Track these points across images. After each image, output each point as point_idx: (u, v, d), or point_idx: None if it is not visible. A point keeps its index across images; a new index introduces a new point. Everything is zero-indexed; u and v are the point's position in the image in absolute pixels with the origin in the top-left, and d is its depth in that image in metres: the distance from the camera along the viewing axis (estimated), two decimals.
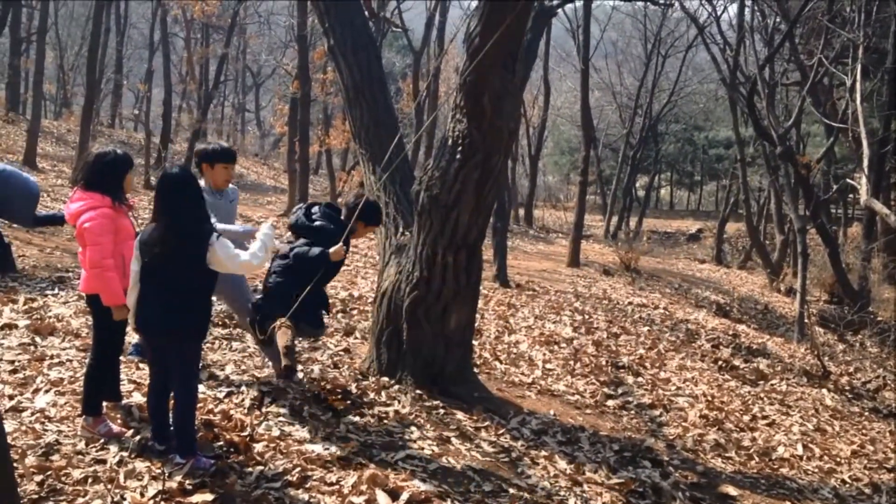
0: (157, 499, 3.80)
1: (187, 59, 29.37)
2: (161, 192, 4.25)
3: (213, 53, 31.71)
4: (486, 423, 5.99)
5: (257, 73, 47.39)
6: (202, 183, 5.68)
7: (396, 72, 43.01)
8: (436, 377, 6.43)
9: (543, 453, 5.66)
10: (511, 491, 4.74)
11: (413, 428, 5.49)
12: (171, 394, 4.31)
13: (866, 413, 10.23)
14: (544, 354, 8.95)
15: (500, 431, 5.92)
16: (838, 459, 7.48)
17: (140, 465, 4.13)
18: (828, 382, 11.23)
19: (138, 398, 4.99)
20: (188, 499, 3.84)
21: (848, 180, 19.53)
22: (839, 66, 18.60)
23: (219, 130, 45.27)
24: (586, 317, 11.96)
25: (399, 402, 5.97)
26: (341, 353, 7.29)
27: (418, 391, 6.24)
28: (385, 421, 5.53)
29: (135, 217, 5.53)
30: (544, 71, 32.49)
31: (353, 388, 6.05)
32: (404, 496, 4.25)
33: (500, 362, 8.23)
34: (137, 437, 4.44)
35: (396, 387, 6.30)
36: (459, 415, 6.05)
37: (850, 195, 30.85)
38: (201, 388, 5.28)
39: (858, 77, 14.50)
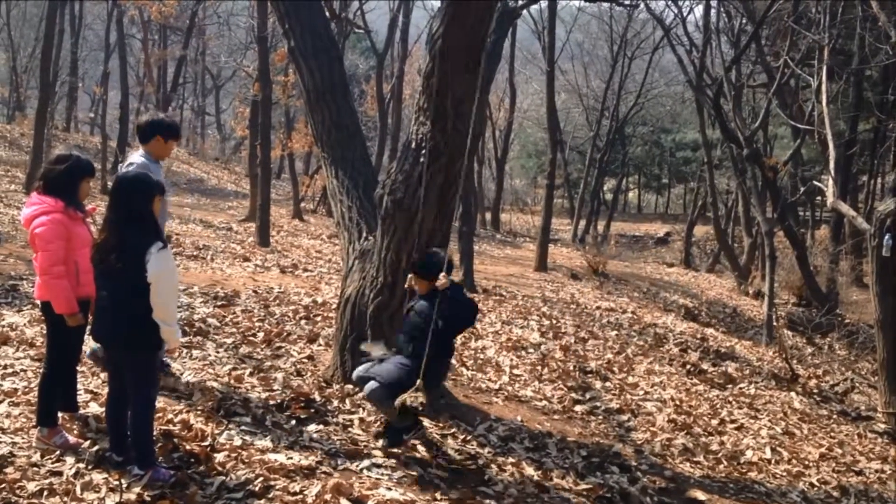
0: None
1: (145, 61, 29.18)
2: (114, 196, 4.21)
3: (172, 55, 31.52)
4: (453, 430, 6.01)
5: (217, 76, 47.03)
6: (141, 152, 5.76)
7: (360, 74, 42.94)
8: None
9: (511, 460, 5.69)
10: (477, 498, 4.76)
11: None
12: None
13: (834, 416, 10.40)
14: (511, 360, 8.98)
15: (467, 438, 5.94)
16: (806, 463, 7.60)
17: (97, 476, 4.10)
18: (796, 385, 11.39)
19: (95, 408, 4.95)
20: None
21: (815, 182, 19.85)
22: (805, 68, 18.91)
23: None
24: (554, 322, 12.03)
25: (363, 409, 5.97)
26: (304, 360, 7.26)
27: None
28: (349, 429, 5.54)
29: (94, 223, 5.48)
30: (510, 73, 32.64)
31: (316, 395, 6.04)
32: None
33: (467, 368, 8.26)
34: (95, 448, 4.40)
35: (360, 395, 6.30)
36: (425, 422, 6.06)
37: (818, 197, 31.35)
38: (160, 397, 5.25)
39: (824, 79, 14.76)
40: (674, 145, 49.56)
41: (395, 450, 5.24)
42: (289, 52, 7.79)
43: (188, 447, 4.59)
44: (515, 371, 8.56)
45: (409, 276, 5.55)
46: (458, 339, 9.50)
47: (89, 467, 4.19)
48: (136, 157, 5.75)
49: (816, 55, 16.66)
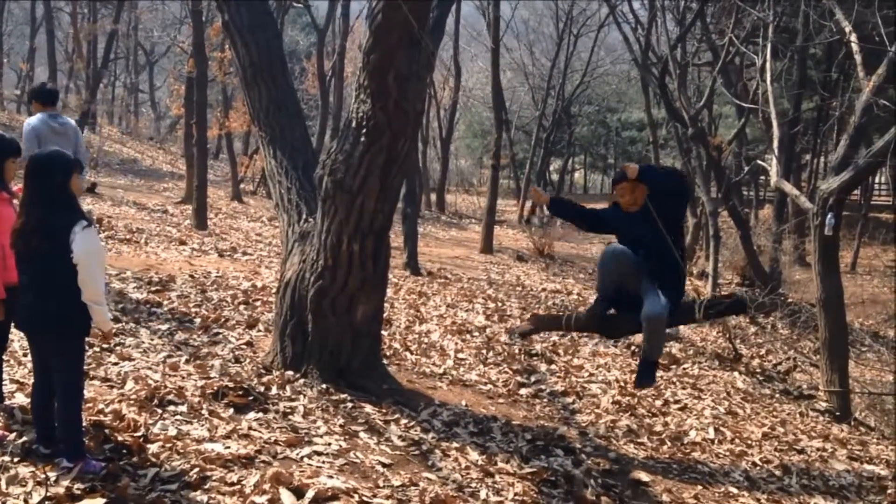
0: None
1: (74, 35, 28.46)
2: (27, 175, 4.08)
3: (102, 30, 30.77)
4: (396, 416, 6.00)
5: (151, 51, 46.12)
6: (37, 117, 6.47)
7: (300, 50, 42.56)
8: (343, 370, 6.41)
9: (455, 445, 5.71)
10: (421, 484, 4.77)
11: (319, 423, 5.47)
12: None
13: (777, 395, 10.63)
14: (456, 344, 9.01)
15: (411, 424, 5.94)
16: (749, 442, 7.75)
17: (24, 469, 4.01)
18: (739, 365, 11.62)
19: (21, 399, 4.84)
20: None
21: (759, 162, 20.18)
22: (750, 46, 19.18)
23: (110, 112, 43.96)
24: (499, 304, 12.09)
25: (304, 396, 5.94)
26: (243, 346, 7.20)
27: (324, 385, 6.21)
28: (290, 417, 5.50)
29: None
30: (454, 50, 32.57)
31: (255, 383, 5.98)
32: (310, 494, 4.23)
33: (411, 353, 8.26)
34: (21, 441, 4.30)
35: (301, 381, 6.26)
36: (368, 408, 6.05)
37: (762, 177, 31.94)
38: (90, 386, 5.16)
39: (769, 57, 14.97)
40: (620, 125, 50.09)
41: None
42: (223, 26, 7.68)
43: (120, 438, 4.51)
44: (460, 355, 8.59)
45: (618, 191, 5.56)
46: (403, 323, 9.52)
47: (15, 460, 4.10)
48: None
49: (761, 33, 16.89)
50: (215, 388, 5.62)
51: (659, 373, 9.71)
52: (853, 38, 11.79)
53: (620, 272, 5.37)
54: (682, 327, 13.86)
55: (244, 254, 13.29)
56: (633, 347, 10.98)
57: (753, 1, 18.08)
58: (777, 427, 8.66)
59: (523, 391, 7.77)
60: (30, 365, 4.94)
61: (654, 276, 5.28)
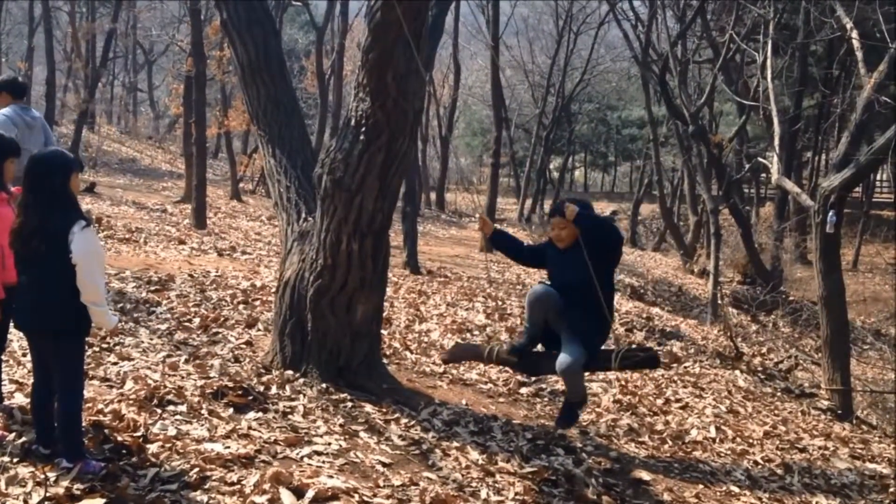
0: None
1: (72, 34, 28.43)
2: (26, 175, 4.08)
3: (101, 29, 30.76)
4: (396, 416, 6.00)
5: (149, 50, 46.10)
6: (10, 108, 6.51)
7: (299, 49, 42.56)
8: (342, 369, 6.41)
9: (455, 444, 5.71)
10: (421, 484, 4.77)
11: (319, 423, 5.47)
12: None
13: (778, 393, 10.64)
14: (456, 343, 9.01)
15: (411, 423, 5.94)
16: (751, 441, 7.76)
17: (23, 470, 4.00)
18: (741, 364, 11.63)
19: (21, 399, 4.84)
20: None
21: (760, 159, 20.20)
22: (751, 43, 19.19)
23: (108, 111, 44.00)
24: (499, 303, 12.09)
25: (304, 396, 5.94)
26: (242, 346, 7.19)
27: (324, 384, 6.21)
28: (289, 416, 5.50)
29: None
30: (454, 48, 32.57)
31: (255, 382, 5.98)
32: (310, 494, 4.23)
33: (411, 352, 8.26)
34: (20, 441, 4.30)
35: (301, 380, 6.26)
36: (368, 407, 6.05)
37: (763, 174, 31.93)
38: (90, 386, 5.16)
39: (769, 54, 14.98)
40: (620, 123, 50.06)
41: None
42: (222, 25, 7.67)
43: (119, 438, 4.50)
44: None
45: (552, 224, 5.56)
46: (403, 322, 9.52)
47: (14, 461, 4.09)
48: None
49: (762, 30, 16.90)
50: (215, 387, 5.62)
51: (660, 371, 9.75)
52: (854, 34, 11.80)
53: (545, 314, 5.38)
54: (682, 326, 13.88)
55: (243, 253, 13.29)
56: (633, 346, 10.99)
57: None
58: (779, 426, 8.66)
59: (524, 390, 7.77)
60: (29, 365, 4.94)
61: (576, 323, 5.28)
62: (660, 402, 8.40)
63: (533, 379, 8.22)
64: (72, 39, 28.81)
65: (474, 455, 5.56)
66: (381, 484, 4.65)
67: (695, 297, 19.61)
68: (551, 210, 5.61)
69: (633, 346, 5.45)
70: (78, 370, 4.21)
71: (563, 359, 5.07)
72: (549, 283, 5.53)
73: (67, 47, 34.26)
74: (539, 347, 5.86)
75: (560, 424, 5.27)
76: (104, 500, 3.80)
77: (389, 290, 10.07)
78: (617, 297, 15.88)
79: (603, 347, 5.63)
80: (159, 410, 5.05)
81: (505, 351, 5.40)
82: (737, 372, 11.04)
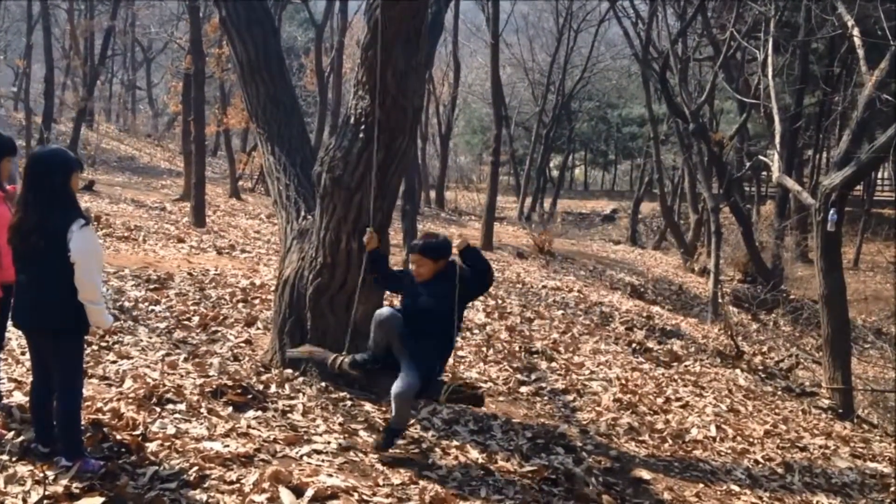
0: None
1: (70, 32, 28.36)
2: (27, 172, 4.08)
3: (99, 26, 30.73)
4: None
5: (148, 48, 46.09)
6: None
7: (298, 47, 42.53)
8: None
9: (455, 443, 5.72)
10: (421, 483, 4.78)
11: (319, 421, 5.48)
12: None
13: (779, 392, 10.64)
14: (456, 342, 9.00)
15: (410, 422, 5.94)
16: (751, 440, 7.76)
17: (22, 468, 4.01)
18: (741, 362, 11.63)
19: (20, 397, 4.84)
20: (75, 503, 3.76)
21: (760, 157, 20.20)
22: (751, 41, 19.20)
23: (107, 109, 43.96)
24: (499, 301, 12.09)
25: (303, 394, 5.95)
26: (242, 344, 7.20)
27: (323, 383, 6.22)
28: (289, 415, 5.51)
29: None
30: (453, 46, 32.56)
31: (254, 381, 5.99)
32: (309, 492, 4.24)
33: None
34: (19, 440, 4.31)
35: (301, 379, 6.27)
36: (367, 406, 6.06)
37: (763, 172, 31.93)
38: (89, 384, 5.16)
39: (770, 51, 14.98)
40: (620, 121, 50.00)
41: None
42: (221, 22, 7.67)
43: (119, 437, 4.51)
44: (460, 352, 8.59)
45: (411, 258, 5.53)
46: None
47: (13, 459, 4.10)
48: None
49: (763, 27, 16.90)
50: (214, 386, 5.63)
51: (661, 370, 9.76)
52: (856, 32, 11.79)
53: (387, 337, 5.46)
54: (683, 325, 13.89)
55: (243, 251, 13.30)
56: (633, 345, 11.00)
57: None
58: (779, 424, 8.67)
59: (524, 389, 7.78)
60: (28, 363, 4.95)
61: (417, 352, 5.34)
62: (660, 400, 8.40)
63: (533, 377, 8.24)
64: (70, 37, 28.75)
65: (474, 454, 5.57)
66: (381, 483, 4.66)
67: (695, 295, 19.61)
68: (411, 246, 5.62)
69: (463, 384, 5.50)
70: (77, 369, 4.21)
71: (398, 385, 5.12)
72: (398, 308, 5.57)
73: (66, 45, 34.19)
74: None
75: (376, 447, 5.31)
76: (103, 499, 3.81)
77: None
78: (617, 295, 15.93)
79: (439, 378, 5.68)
80: (158, 409, 5.06)
81: (347, 363, 5.46)
82: (737, 371, 11.04)
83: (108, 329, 4.28)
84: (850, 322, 11.92)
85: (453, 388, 5.40)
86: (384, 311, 5.42)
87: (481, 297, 12.00)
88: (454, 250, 5.47)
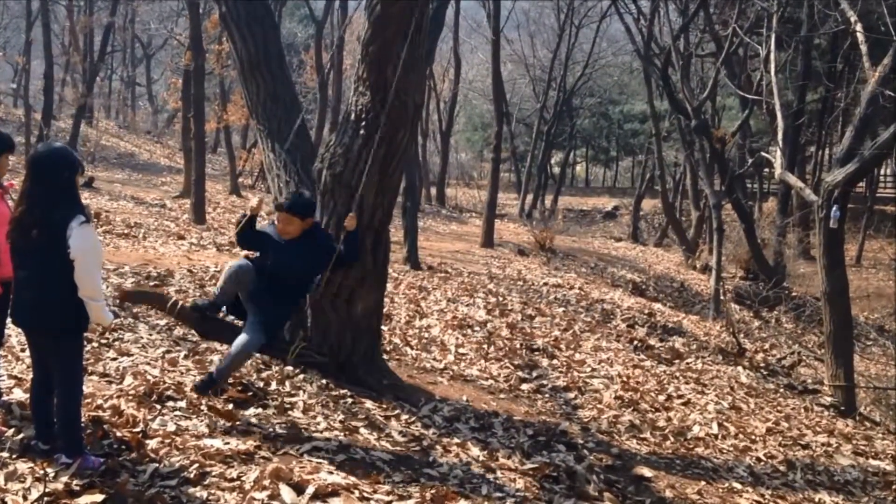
0: (42, 501, 3.71)
1: (70, 28, 28.42)
2: (31, 168, 4.08)
3: (99, 22, 30.76)
4: (397, 412, 6.02)
5: (148, 44, 46.08)
6: None
7: (298, 43, 42.48)
8: (343, 365, 6.42)
9: (456, 440, 5.72)
10: (422, 480, 4.78)
11: (319, 419, 5.48)
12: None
13: (781, 389, 10.65)
14: (457, 339, 9.02)
15: (411, 419, 5.95)
16: (753, 437, 7.76)
17: (22, 466, 4.01)
18: (743, 360, 11.64)
19: (20, 395, 4.84)
20: (75, 500, 3.76)
21: (763, 154, 20.18)
22: (754, 37, 19.16)
23: (106, 106, 43.96)
24: (500, 299, 12.10)
25: (304, 392, 5.94)
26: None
27: (324, 380, 6.22)
28: (289, 412, 5.51)
29: (12, 200, 5.34)
30: (454, 42, 32.55)
31: (255, 378, 5.99)
32: (310, 490, 4.24)
33: (411, 348, 8.27)
34: (19, 437, 4.31)
35: (301, 376, 6.27)
36: (368, 403, 6.06)
37: (766, 169, 31.89)
38: (89, 381, 5.17)
39: (773, 47, 14.97)
40: (622, 117, 49.96)
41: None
42: (220, 18, 7.67)
43: (119, 434, 4.51)
44: (461, 350, 8.60)
45: (276, 216, 5.63)
46: (403, 318, 9.53)
47: (13, 456, 4.10)
48: None
49: (765, 23, 16.88)
50: None
51: (662, 367, 9.76)
52: (859, 28, 11.77)
53: (237, 288, 5.52)
54: (684, 322, 13.89)
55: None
56: (635, 342, 11.00)
57: None
58: (781, 422, 8.67)
59: (525, 386, 7.79)
60: (28, 360, 4.95)
61: (265, 309, 5.40)
62: (662, 398, 8.41)
63: (534, 375, 8.25)
64: (70, 33, 28.80)
65: (475, 451, 5.57)
66: (382, 480, 4.66)
67: (697, 292, 19.61)
68: (278, 205, 5.64)
69: (309, 348, 5.65)
70: (77, 366, 4.21)
71: (243, 338, 5.22)
72: (253, 262, 5.63)
73: (65, 41, 34.24)
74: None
75: (196, 387, 5.36)
76: (103, 496, 3.81)
77: (390, 286, 10.08)
78: (618, 292, 15.93)
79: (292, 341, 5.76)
80: (159, 406, 5.06)
81: (188, 307, 5.49)
82: (739, 368, 11.05)
83: (108, 326, 4.28)
84: (852, 319, 11.92)
85: (301, 351, 5.46)
86: (239, 262, 5.52)
87: (482, 295, 12.03)
88: (345, 226, 5.69)
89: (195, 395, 5.26)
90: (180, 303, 5.58)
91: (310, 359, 5.80)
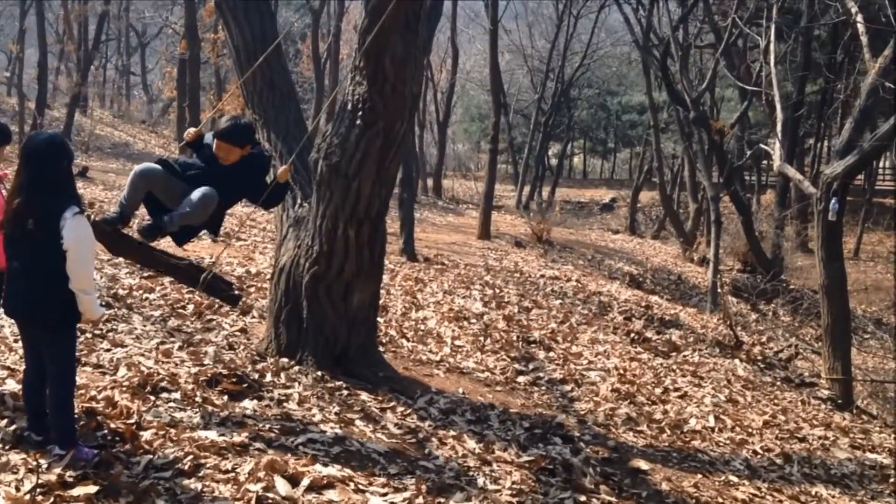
0: (35, 493, 3.70)
1: (64, 17, 28.32)
2: (24, 158, 4.06)
3: (93, 11, 30.64)
4: (392, 404, 6.02)
5: (143, 33, 45.94)
6: None
7: (295, 32, 42.35)
8: (338, 357, 6.42)
9: (452, 433, 5.73)
10: (418, 473, 4.79)
11: (315, 411, 5.48)
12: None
13: (778, 383, 10.67)
14: (453, 331, 9.02)
15: (407, 412, 5.96)
16: (750, 430, 7.78)
17: (15, 457, 4.01)
18: (740, 353, 11.65)
19: (13, 385, 4.84)
20: (69, 492, 3.75)
21: (762, 146, 20.18)
22: (753, 27, 19.14)
23: (101, 95, 43.83)
24: (497, 291, 12.10)
25: (300, 383, 5.95)
26: (237, 333, 7.20)
27: (320, 372, 6.22)
28: (285, 404, 5.51)
29: (6, 189, 5.32)
30: (452, 32, 32.46)
31: (250, 370, 5.99)
32: (305, 482, 4.24)
33: (407, 340, 8.27)
34: (12, 428, 4.31)
35: (297, 368, 6.27)
36: (364, 396, 6.07)
37: (764, 161, 31.89)
38: (82, 372, 5.16)
39: (772, 38, 14.95)
40: (620, 108, 49.91)
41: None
42: (216, 6, 7.64)
43: (112, 425, 4.51)
44: (457, 342, 8.60)
45: (215, 143, 5.50)
46: (399, 310, 9.53)
47: (6, 447, 4.10)
48: None
49: (765, 14, 16.86)
50: (209, 375, 5.63)
51: (659, 360, 9.78)
52: (859, 19, 11.76)
53: (149, 188, 5.46)
54: (681, 315, 13.91)
55: (238, 239, 13.28)
56: (632, 335, 11.02)
57: None
58: (778, 415, 8.69)
59: (521, 379, 7.79)
60: (21, 351, 4.94)
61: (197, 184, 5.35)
62: (658, 390, 8.42)
63: (530, 367, 8.26)
64: (64, 22, 28.69)
65: (471, 444, 5.58)
66: (377, 472, 4.66)
67: (694, 285, 19.63)
68: (216, 132, 5.58)
69: (221, 279, 5.64)
70: (70, 357, 4.21)
71: (204, 189, 5.15)
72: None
73: (59, 30, 34.14)
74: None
75: (140, 230, 5.37)
76: (97, 488, 3.81)
77: (386, 278, 10.08)
78: (616, 285, 15.95)
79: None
80: (153, 398, 5.06)
81: (98, 221, 5.46)
82: (736, 361, 11.07)
83: (97, 320, 4.26)
84: (850, 312, 11.93)
85: (210, 281, 5.46)
86: (144, 166, 5.48)
87: (478, 288, 12.03)
88: (277, 176, 5.67)
89: (189, 388, 5.25)
90: (93, 217, 5.46)
91: (219, 290, 5.70)
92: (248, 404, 5.34)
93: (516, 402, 7.03)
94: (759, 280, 18.57)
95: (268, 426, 5.00)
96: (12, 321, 4.91)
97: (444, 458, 5.19)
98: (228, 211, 5.87)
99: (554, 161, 47.33)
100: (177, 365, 5.80)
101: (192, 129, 5.80)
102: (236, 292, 5.88)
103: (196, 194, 5.16)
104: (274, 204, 6.08)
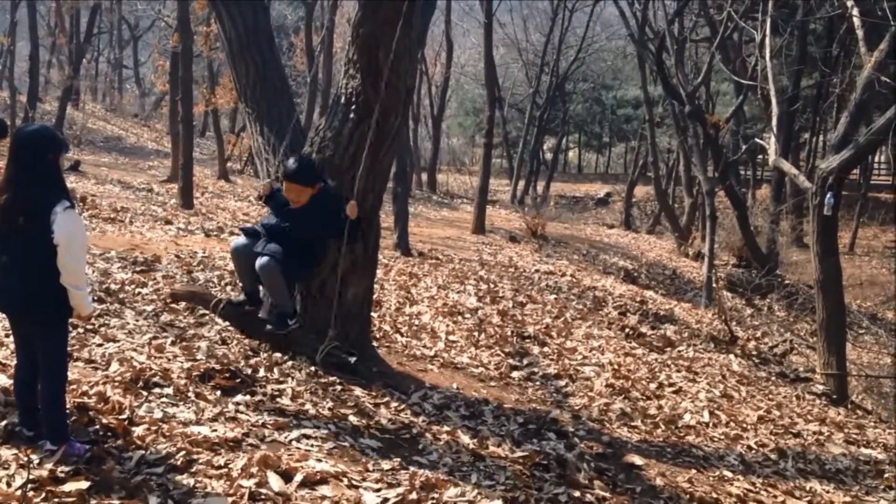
0: (26, 488, 3.70)
1: (56, 9, 28.23)
2: (13, 151, 4.04)
3: (85, 3, 30.52)
4: (386, 399, 6.02)
5: (135, 26, 45.83)
6: None
7: (288, 25, 42.31)
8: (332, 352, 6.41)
9: (446, 428, 5.73)
10: (411, 468, 4.79)
11: (308, 406, 5.48)
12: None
13: (773, 378, 10.69)
14: (447, 326, 9.02)
15: (401, 407, 5.96)
16: (745, 425, 7.80)
17: (6, 452, 4.00)
18: (735, 348, 11.68)
19: (4, 380, 4.82)
20: (60, 487, 3.75)
21: (757, 140, 20.19)
22: (749, 21, 19.13)
23: (93, 88, 43.68)
24: (491, 286, 12.10)
25: (293, 379, 5.94)
26: (230, 328, 7.18)
27: (312, 367, 6.22)
28: (278, 399, 5.50)
29: None
30: (446, 25, 32.41)
31: (243, 365, 5.98)
32: (298, 477, 4.24)
33: (401, 335, 8.27)
34: (3, 423, 4.30)
35: (290, 363, 6.26)
36: (358, 391, 6.06)
37: (760, 156, 31.93)
38: (74, 367, 5.15)
39: (768, 32, 14.94)
40: (615, 102, 49.93)
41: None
42: None
43: (105, 420, 4.50)
44: (451, 337, 8.61)
45: (284, 185, 5.79)
46: (393, 305, 9.53)
47: None
48: None
49: (760, 7, 16.85)
50: (202, 370, 5.62)
51: (654, 355, 9.79)
52: (855, 12, 11.77)
53: (248, 259, 5.69)
54: (676, 310, 13.93)
55: (231, 234, 13.26)
56: (626, 330, 11.03)
57: None
58: (773, 410, 8.71)
59: (515, 374, 7.80)
60: (12, 346, 4.92)
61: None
62: (653, 386, 8.43)
63: (525, 362, 8.27)
64: (56, 14, 28.61)
65: (465, 439, 5.58)
66: (371, 468, 4.66)
67: (689, 280, 19.66)
68: (286, 174, 5.79)
69: (340, 347, 5.87)
70: (62, 352, 4.20)
71: (259, 268, 5.49)
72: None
73: (51, 22, 34.02)
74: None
75: (271, 330, 5.61)
76: (89, 483, 3.80)
77: (380, 273, 10.08)
78: (610, 280, 15.96)
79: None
80: (145, 393, 5.05)
81: (226, 304, 5.60)
82: (731, 356, 11.09)
83: (88, 316, 4.25)
84: (845, 307, 11.97)
85: (330, 350, 5.58)
86: (234, 244, 5.89)
87: (473, 282, 12.03)
88: (347, 213, 5.71)
89: (181, 383, 5.25)
90: (224, 302, 5.63)
91: (339, 359, 5.87)
92: (241, 399, 5.34)
93: (510, 397, 7.04)
94: (754, 275, 18.61)
95: (261, 421, 5.00)
96: (3, 316, 4.90)
97: (438, 453, 5.19)
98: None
99: (549, 155, 47.37)
100: (169, 360, 5.79)
101: (264, 183, 5.92)
102: (353, 359, 5.99)
103: (261, 278, 5.35)
104: (354, 240, 6.00)
